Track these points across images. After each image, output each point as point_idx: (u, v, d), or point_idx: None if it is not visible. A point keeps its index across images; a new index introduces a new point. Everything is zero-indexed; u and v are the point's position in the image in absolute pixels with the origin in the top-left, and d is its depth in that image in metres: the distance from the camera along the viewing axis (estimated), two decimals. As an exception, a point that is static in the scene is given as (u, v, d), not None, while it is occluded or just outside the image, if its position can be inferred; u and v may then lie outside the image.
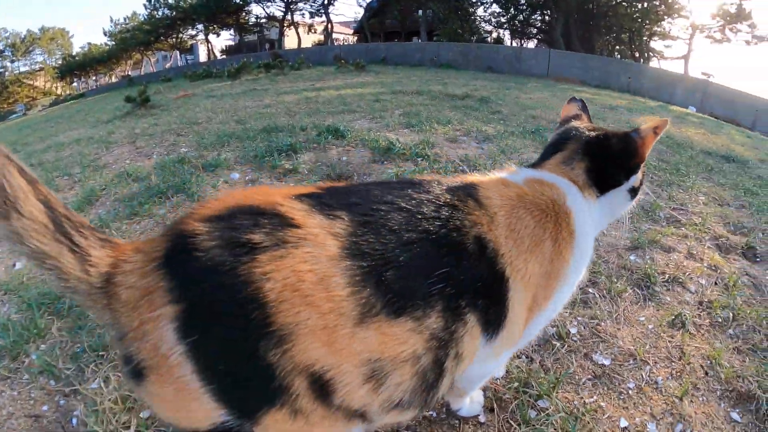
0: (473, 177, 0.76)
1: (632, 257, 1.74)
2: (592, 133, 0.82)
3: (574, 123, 0.88)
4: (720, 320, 1.40)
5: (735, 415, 1.06)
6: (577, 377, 1.12)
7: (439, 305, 0.57)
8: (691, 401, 1.08)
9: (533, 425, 0.95)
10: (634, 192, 0.84)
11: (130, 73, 30.18)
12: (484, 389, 1.04)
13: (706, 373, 1.18)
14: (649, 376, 1.15)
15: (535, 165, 0.85)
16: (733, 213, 2.39)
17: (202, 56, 35.10)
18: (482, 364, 0.71)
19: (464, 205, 0.66)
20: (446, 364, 0.61)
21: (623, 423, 0.99)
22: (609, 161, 0.80)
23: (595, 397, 1.05)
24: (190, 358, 0.49)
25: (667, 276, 1.61)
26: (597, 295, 1.47)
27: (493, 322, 0.65)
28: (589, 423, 0.97)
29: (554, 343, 1.23)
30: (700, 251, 1.84)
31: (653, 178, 2.85)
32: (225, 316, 0.50)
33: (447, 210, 0.64)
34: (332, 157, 2.82)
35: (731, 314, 1.41)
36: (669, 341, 1.28)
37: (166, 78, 18.73)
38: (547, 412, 0.99)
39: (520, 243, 0.67)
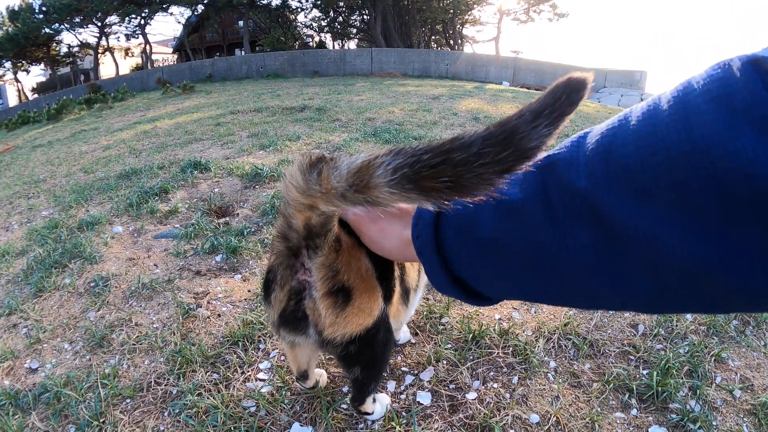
0: None
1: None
2: None
3: None
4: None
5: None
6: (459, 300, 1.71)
7: None
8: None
9: (443, 333, 1.49)
10: None
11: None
12: (408, 324, 1.55)
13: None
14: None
15: None
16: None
17: (12, 99, 31.64)
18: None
19: None
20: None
21: (497, 316, 1.60)
22: None
23: (474, 307, 1.65)
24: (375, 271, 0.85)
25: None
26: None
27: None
28: (475, 320, 1.54)
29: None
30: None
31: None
32: None
33: None
34: (204, 190, 3.06)
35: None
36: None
37: (-23, 131, 16.15)
38: (449, 323, 1.55)
39: None
